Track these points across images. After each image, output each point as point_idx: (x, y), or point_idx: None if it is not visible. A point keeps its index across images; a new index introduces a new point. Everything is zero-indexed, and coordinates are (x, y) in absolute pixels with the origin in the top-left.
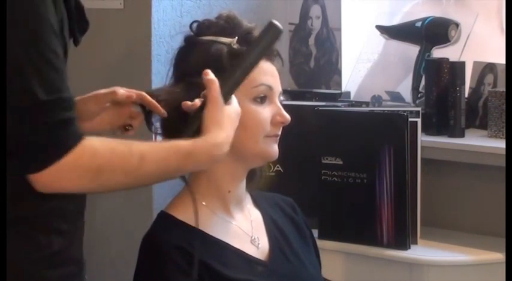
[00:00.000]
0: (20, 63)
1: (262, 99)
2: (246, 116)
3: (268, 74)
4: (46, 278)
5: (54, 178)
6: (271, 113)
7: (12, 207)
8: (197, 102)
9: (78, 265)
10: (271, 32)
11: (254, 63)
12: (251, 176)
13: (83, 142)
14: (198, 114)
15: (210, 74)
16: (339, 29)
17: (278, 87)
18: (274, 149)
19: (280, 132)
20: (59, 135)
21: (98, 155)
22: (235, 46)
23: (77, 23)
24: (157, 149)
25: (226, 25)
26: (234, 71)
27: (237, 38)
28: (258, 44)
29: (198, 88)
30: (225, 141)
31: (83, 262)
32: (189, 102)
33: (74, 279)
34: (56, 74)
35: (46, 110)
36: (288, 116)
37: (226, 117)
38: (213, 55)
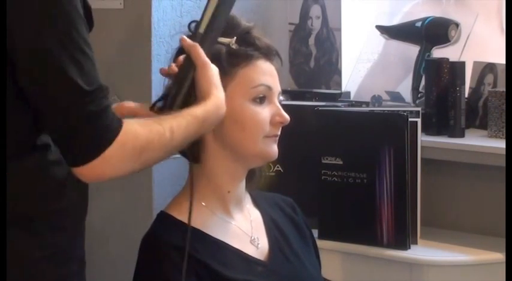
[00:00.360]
0: (58, 55)
1: (261, 99)
2: (245, 117)
3: (267, 74)
4: (49, 276)
5: (102, 166)
6: (271, 113)
7: (15, 207)
8: (174, 67)
9: (80, 264)
10: None
11: (224, 20)
12: (250, 176)
13: (124, 127)
14: (185, 77)
15: (187, 40)
16: (339, 29)
17: (277, 87)
18: (274, 149)
19: (279, 133)
20: (104, 123)
21: (140, 138)
22: (234, 46)
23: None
24: (180, 121)
25: (225, 25)
26: (207, 31)
27: (235, 38)
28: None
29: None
30: (224, 99)
31: (84, 261)
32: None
33: (75, 278)
34: (91, 64)
35: (91, 100)
36: (287, 116)
37: (216, 76)
38: (212, 56)
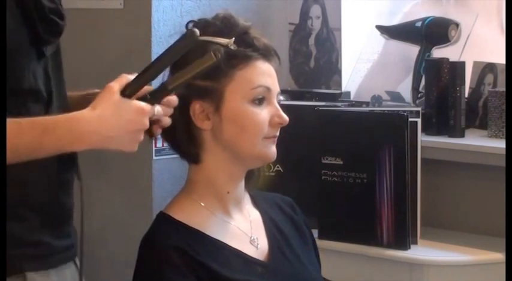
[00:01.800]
0: None
1: (260, 100)
2: (244, 118)
3: (266, 74)
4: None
5: None
6: (270, 114)
7: None
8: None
9: (36, 247)
10: (186, 39)
11: (162, 68)
12: (249, 176)
13: None
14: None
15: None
16: (339, 29)
17: (276, 88)
18: (273, 150)
19: (278, 134)
20: None
21: None
22: (233, 47)
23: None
24: (11, 126)
25: (223, 25)
26: (144, 70)
27: (233, 38)
28: (170, 49)
29: (194, 90)
30: (92, 119)
31: (47, 246)
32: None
33: (32, 260)
34: None
35: None
36: (286, 117)
37: (107, 102)
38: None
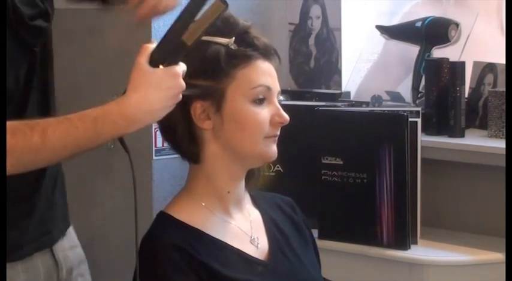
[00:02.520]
0: None
1: (260, 100)
2: (245, 118)
3: (266, 74)
4: None
5: None
6: (270, 113)
7: None
8: None
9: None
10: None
11: (184, 26)
12: (250, 176)
13: None
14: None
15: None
16: (339, 29)
17: (276, 87)
18: (273, 149)
19: (278, 133)
20: None
21: None
22: (233, 46)
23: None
24: (58, 126)
25: (223, 25)
26: (165, 35)
27: (234, 38)
28: (187, 8)
29: (195, 90)
30: (139, 100)
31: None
32: None
33: None
34: None
35: None
36: (286, 117)
37: (143, 79)
38: (211, 57)
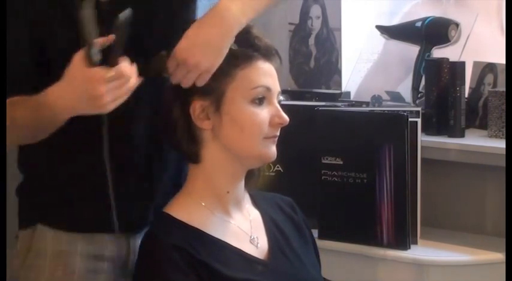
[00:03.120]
0: None
1: (260, 100)
2: (244, 118)
3: (266, 74)
4: None
5: None
6: (270, 114)
7: None
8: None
9: None
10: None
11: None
12: (249, 176)
13: None
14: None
15: None
16: (339, 29)
17: (276, 88)
18: (272, 150)
19: (278, 133)
20: None
21: None
22: (234, 47)
23: None
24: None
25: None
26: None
27: (234, 38)
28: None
29: (195, 89)
30: (54, 90)
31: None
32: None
33: None
34: None
35: None
36: (286, 117)
37: (67, 73)
38: None
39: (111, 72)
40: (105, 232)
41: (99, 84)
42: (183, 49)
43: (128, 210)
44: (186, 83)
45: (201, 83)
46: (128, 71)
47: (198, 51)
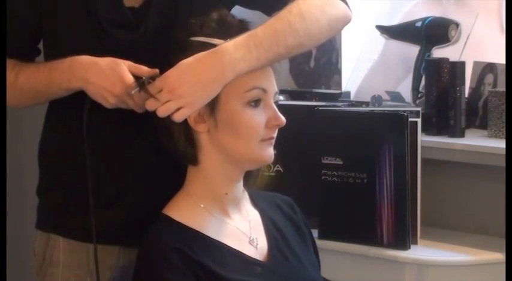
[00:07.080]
0: None
1: (256, 102)
2: (239, 122)
3: (262, 76)
4: None
5: None
6: (266, 116)
7: None
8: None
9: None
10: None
11: None
12: (248, 175)
13: None
14: None
15: None
16: None
17: (273, 89)
18: (269, 153)
19: (275, 135)
20: None
21: None
22: None
23: None
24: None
25: (218, 26)
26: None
27: (229, 39)
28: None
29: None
30: (85, 63)
31: None
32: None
33: None
34: None
35: None
36: (283, 118)
37: (103, 62)
38: None
39: (136, 97)
40: (116, 244)
41: (119, 86)
42: (174, 77)
43: (138, 221)
44: (163, 112)
45: (179, 118)
46: (148, 107)
47: (188, 85)
